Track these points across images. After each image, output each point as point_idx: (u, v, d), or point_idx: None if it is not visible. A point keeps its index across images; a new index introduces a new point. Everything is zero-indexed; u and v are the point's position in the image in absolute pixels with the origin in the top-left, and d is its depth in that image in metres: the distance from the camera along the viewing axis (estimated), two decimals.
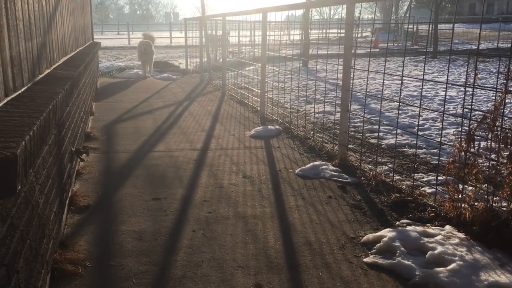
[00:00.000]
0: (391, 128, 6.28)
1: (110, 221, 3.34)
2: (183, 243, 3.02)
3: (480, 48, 20.11)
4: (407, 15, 36.98)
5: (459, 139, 3.25)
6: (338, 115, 5.09)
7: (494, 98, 3.07)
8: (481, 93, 9.53)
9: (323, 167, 4.48)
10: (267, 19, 6.86)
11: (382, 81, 11.66)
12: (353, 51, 4.59)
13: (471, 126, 3.08)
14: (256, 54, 12.88)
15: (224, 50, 9.94)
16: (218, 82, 10.79)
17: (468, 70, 3.59)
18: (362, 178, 4.24)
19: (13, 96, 2.26)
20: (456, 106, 8.18)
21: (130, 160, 4.79)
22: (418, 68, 15.26)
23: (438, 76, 12.74)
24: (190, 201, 3.70)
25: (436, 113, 7.45)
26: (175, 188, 3.98)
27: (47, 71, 3.37)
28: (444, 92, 5.30)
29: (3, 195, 1.39)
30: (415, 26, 27.63)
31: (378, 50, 20.15)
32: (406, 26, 28.52)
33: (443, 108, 3.68)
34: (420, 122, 6.82)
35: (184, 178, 4.25)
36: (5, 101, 2.12)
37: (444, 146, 5.16)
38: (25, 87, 2.56)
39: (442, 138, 5.61)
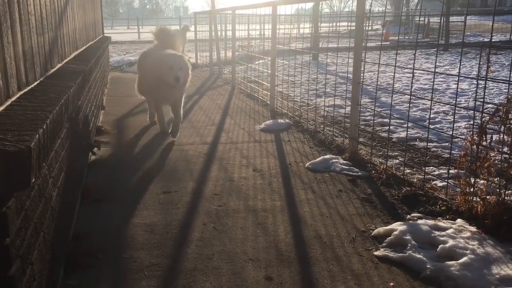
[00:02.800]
0: (402, 121, 6.24)
1: (121, 214, 3.37)
2: (194, 236, 3.03)
3: (493, 40, 19.92)
4: (418, 8, 36.63)
5: (471, 132, 3.22)
6: (348, 108, 5.07)
7: (506, 91, 3.04)
8: (494, 86, 9.43)
9: (333, 160, 4.47)
10: (277, 12, 6.84)
11: (392, 74, 11.60)
12: (363, 44, 4.56)
13: (483, 119, 3.06)
14: (266, 47, 12.85)
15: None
16: (228, 76, 10.79)
17: (480, 63, 3.56)
18: (373, 172, 4.23)
19: (25, 90, 2.28)
20: (468, 99, 8.10)
21: (141, 153, 4.82)
22: (429, 61, 15.13)
23: (450, 69, 12.63)
24: (201, 194, 3.72)
25: (447, 106, 7.39)
26: (186, 181, 4.00)
27: (59, 65, 3.39)
28: (456, 85, 5.25)
29: (18, 187, 1.41)
30: (426, 19, 27.38)
31: (388, 43, 19.99)
32: (417, 19, 28.27)
33: (455, 101, 3.64)
34: (432, 116, 6.77)
35: (194, 171, 4.26)
36: (18, 95, 2.14)
37: (456, 140, 5.12)
38: (38, 81, 2.58)
39: (454, 132, 5.59)
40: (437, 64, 14.06)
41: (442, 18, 21.18)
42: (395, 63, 4.27)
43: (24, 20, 2.31)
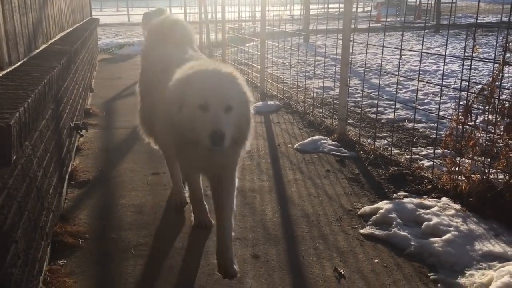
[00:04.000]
0: (391, 102, 6.26)
1: (110, 195, 3.37)
2: (182, 216, 3.05)
3: (484, 22, 19.88)
4: None
5: (457, 112, 3.24)
6: (338, 90, 5.08)
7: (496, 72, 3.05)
8: (484, 67, 9.46)
9: (322, 141, 4.48)
10: None
11: (384, 56, 11.57)
12: (352, 26, 4.55)
13: (468, 99, 3.07)
14: (257, 30, 12.78)
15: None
16: (219, 58, 10.72)
17: (469, 43, 3.56)
18: (361, 152, 4.25)
19: (8, 70, 2.26)
20: (457, 80, 8.12)
21: (129, 136, 4.80)
22: (420, 42, 15.10)
23: (441, 51, 12.61)
24: None
25: (437, 87, 7.41)
26: None
27: (44, 46, 3.36)
28: (446, 67, 5.26)
29: None
30: (417, 0, 27.26)
31: (380, 25, 19.90)
32: (409, 0, 28.14)
33: (441, 82, 3.66)
34: (421, 97, 6.79)
35: None
36: (0, 75, 2.12)
37: (444, 120, 5.15)
38: (21, 62, 2.55)
39: (443, 112, 5.61)
40: (428, 45, 14.06)
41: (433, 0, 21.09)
42: (383, 43, 4.27)
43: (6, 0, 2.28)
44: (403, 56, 11.00)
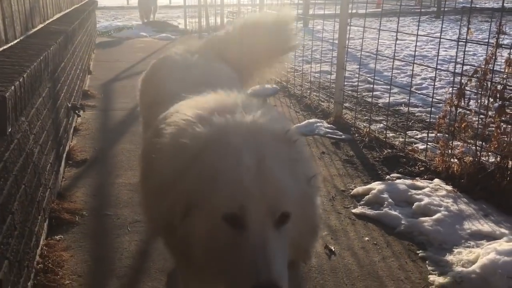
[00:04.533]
0: (389, 87, 6.27)
1: (107, 174, 3.41)
2: None
3: (484, 6, 19.75)
4: None
5: (451, 95, 3.27)
6: (335, 75, 5.10)
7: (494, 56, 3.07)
8: (483, 52, 9.45)
9: (318, 124, 4.52)
10: None
11: (384, 41, 11.53)
12: (349, 11, 4.56)
13: (462, 81, 3.10)
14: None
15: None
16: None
17: (463, 26, 3.58)
18: (356, 135, 4.29)
19: (5, 47, 2.28)
20: (460, 65, 8.13)
21: (127, 117, 4.83)
22: (421, 28, 15.05)
23: (441, 36, 12.57)
24: None
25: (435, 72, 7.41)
26: None
27: (41, 25, 3.37)
28: (445, 51, 5.27)
29: None
30: None
31: (380, 10, 19.81)
32: None
33: (435, 65, 3.69)
34: (419, 82, 6.81)
35: None
36: None
37: (440, 105, 5.17)
38: (18, 40, 2.57)
39: (440, 97, 5.64)
40: (428, 31, 13.99)
41: None
42: (379, 27, 4.28)
43: None
44: (403, 42, 10.98)
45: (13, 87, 1.54)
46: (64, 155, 3.40)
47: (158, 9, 15.45)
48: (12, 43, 2.43)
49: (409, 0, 26.04)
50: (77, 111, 4.02)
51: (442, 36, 3.30)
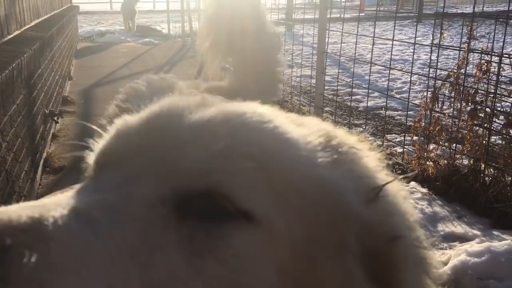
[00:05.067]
0: (370, 91, 6.34)
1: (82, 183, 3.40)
2: None
3: (466, 12, 20.05)
4: None
5: (426, 99, 3.33)
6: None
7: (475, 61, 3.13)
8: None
9: None
10: None
11: (365, 45, 11.65)
12: (329, 16, 4.61)
13: (436, 86, 3.16)
14: None
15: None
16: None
17: (437, 31, 3.65)
18: None
19: None
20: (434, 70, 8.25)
21: None
22: (402, 32, 15.22)
23: (422, 40, 12.72)
24: None
25: (415, 76, 7.51)
26: None
27: (17, 32, 3.35)
28: (424, 55, 5.36)
29: None
30: None
31: (363, 14, 19.99)
32: None
33: (414, 69, 3.74)
34: (399, 85, 6.90)
35: None
36: None
37: (418, 109, 5.25)
38: None
39: (418, 101, 5.72)
40: (410, 35, 14.15)
41: None
42: (357, 32, 4.33)
43: None
44: (385, 46, 11.09)
45: None
46: (41, 162, 3.38)
47: (139, 14, 15.41)
48: None
49: (391, 5, 26.37)
50: (55, 118, 3.99)
51: (422, 41, 3.35)
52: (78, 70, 7.71)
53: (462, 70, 3.01)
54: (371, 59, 4.42)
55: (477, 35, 3.10)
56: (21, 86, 2.64)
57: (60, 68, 5.17)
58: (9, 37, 3.08)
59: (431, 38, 12.69)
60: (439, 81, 3.19)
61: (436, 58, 3.22)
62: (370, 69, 4.63)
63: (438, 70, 3.34)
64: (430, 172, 3.24)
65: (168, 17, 13.92)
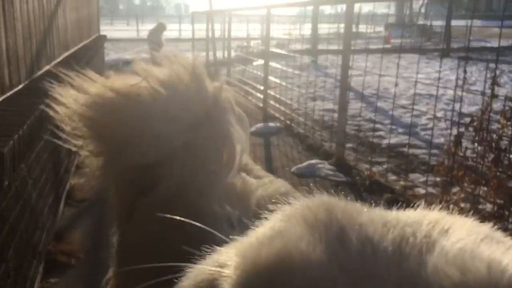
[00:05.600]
0: (394, 127, 6.31)
1: (104, 214, 3.43)
2: None
3: (493, 47, 19.88)
4: (421, 10, 36.57)
5: (449, 142, 3.30)
6: None
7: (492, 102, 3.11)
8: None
9: (319, 165, 4.54)
10: (270, 15, 6.92)
11: (391, 78, 11.62)
12: (352, 47, 4.64)
13: (459, 130, 3.13)
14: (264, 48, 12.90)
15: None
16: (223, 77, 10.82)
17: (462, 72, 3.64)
18: (357, 178, 4.30)
19: (9, 94, 2.35)
20: (452, 113, 8.16)
21: None
22: (429, 65, 15.14)
23: (449, 74, 12.62)
24: None
25: (441, 112, 7.45)
26: None
27: (47, 67, 3.46)
28: (450, 90, 5.32)
29: None
30: (429, 22, 27.39)
31: (390, 46, 20.04)
32: (420, 22, 28.30)
33: (434, 110, 3.73)
34: (424, 122, 6.85)
35: None
36: (1, 99, 2.21)
37: (445, 147, 5.19)
38: (22, 84, 2.65)
39: (445, 138, 5.66)
40: (436, 69, 14.08)
41: (444, 22, 21.18)
42: (380, 71, 4.34)
43: (10, 27, 2.38)
44: (409, 80, 11.07)
45: (11, 142, 1.59)
46: (64, 195, 3.44)
47: (166, 42, 15.69)
48: (16, 89, 2.51)
49: (418, 36, 26.33)
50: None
51: (448, 75, 3.34)
52: None
53: (486, 115, 2.98)
54: (394, 99, 4.40)
55: (503, 74, 3.09)
56: (49, 123, 2.71)
57: None
58: (39, 73, 3.18)
59: (456, 76, 12.49)
60: (462, 125, 3.16)
61: (460, 103, 3.20)
62: (393, 107, 4.61)
63: (463, 109, 3.31)
64: None
65: (193, 46, 14.18)
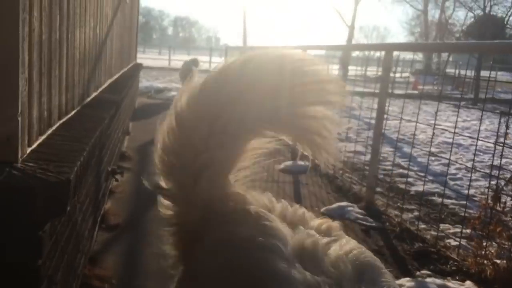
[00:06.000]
0: (422, 174, 6.27)
1: (137, 241, 3.47)
2: None
3: None
4: (450, 59, 36.64)
5: (486, 196, 3.27)
6: (368, 156, 5.16)
7: None
8: None
9: (349, 208, 4.52)
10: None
11: (419, 124, 11.61)
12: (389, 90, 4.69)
13: (498, 185, 3.11)
14: None
15: None
16: None
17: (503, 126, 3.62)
18: (387, 224, 4.27)
19: (64, 119, 2.44)
20: (491, 158, 8.08)
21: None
22: (456, 113, 15.07)
23: (477, 124, 12.57)
24: None
25: (470, 163, 7.39)
26: None
27: (94, 94, 3.58)
28: (480, 141, 5.29)
29: (55, 214, 1.54)
30: (457, 71, 27.40)
31: (417, 92, 20.08)
32: (448, 70, 28.34)
33: (472, 164, 3.71)
34: (453, 171, 6.78)
35: None
36: (58, 124, 2.30)
37: (476, 199, 5.13)
38: (75, 110, 2.75)
39: (475, 190, 5.59)
40: (464, 118, 14.01)
41: (472, 72, 21.18)
42: (417, 118, 4.36)
43: (70, 55, 2.49)
44: (439, 127, 11.05)
45: (75, 168, 1.65)
46: (99, 219, 3.50)
47: (198, 74, 16.03)
48: (70, 115, 2.60)
49: (446, 84, 26.31)
50: (115, 176, 4.15)
51: (475, 125, 3.35)
52: (135, 125, 8.02)
53: None
54: (430, 149, 4.40)
55: None
56: (97, 149, 2.79)
57: (122, 125, 5.42)
58: (88, 99, 3.29)
59: (489, 122, 12.42)
60: (501, 179, 3.14)
61: (500, 160, 3.19)
62: (428, 157, 4.59)
63: (498, 170, 3.29)
64: (488, 273, 3.13)
65: None
